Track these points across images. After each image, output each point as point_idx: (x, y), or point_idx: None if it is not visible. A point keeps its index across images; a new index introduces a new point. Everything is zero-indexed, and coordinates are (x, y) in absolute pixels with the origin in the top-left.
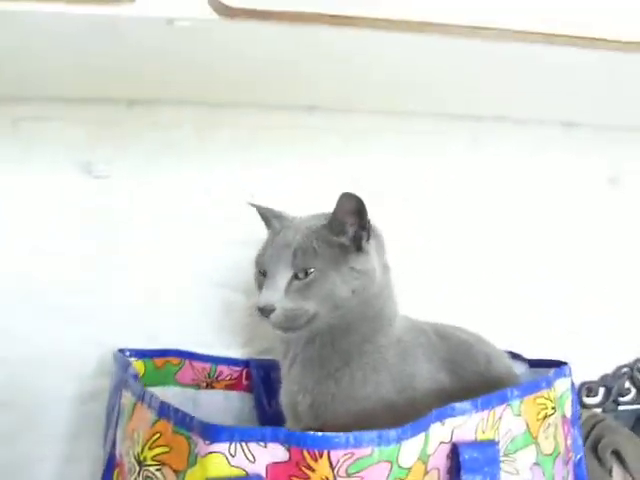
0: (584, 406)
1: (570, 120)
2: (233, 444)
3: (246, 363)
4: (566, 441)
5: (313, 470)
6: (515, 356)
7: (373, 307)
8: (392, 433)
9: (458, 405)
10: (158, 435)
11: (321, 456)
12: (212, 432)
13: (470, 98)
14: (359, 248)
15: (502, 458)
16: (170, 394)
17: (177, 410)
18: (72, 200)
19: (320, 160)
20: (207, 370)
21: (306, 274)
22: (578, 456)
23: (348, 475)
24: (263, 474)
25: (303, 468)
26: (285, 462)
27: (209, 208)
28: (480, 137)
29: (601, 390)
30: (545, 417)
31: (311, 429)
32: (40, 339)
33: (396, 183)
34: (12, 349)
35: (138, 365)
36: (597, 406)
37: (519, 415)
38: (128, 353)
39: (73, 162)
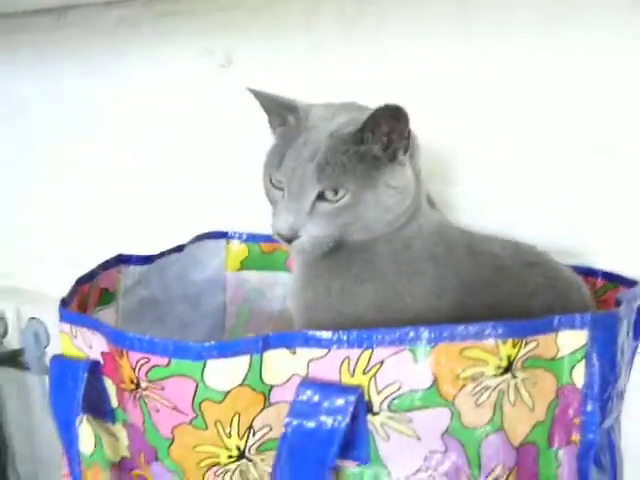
0: None
1: None
2: (73, 327)
3: None
4: (571, 420)
5: (122, 367)
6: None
7: (400, 220)
8: (191, 347)
9: (313, 334)
10: None
11: (122, 354)
12: (60, 312)
13: None
14: (394, 159)
15: (388, 414)
16: (282, 280)
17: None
18: (199, 87)
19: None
20: None
21: (335, 194)
22: (590, 436)
23: (149, 381)
24: (101, 360)
25: (116, 363)
26: (108, 353)
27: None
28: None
29: None
30: (476, 377)
31: None
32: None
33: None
34: None
35: (240, 249)
36: None
37: (423, 363)
38: (230, 235)
39: (197, 52)
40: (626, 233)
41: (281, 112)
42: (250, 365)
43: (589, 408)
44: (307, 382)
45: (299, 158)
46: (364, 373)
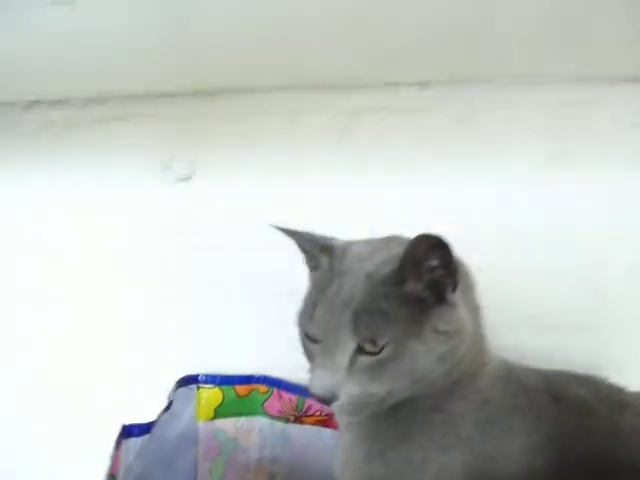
0: None
1: None
2: None
3: None
4: None
5: None
6: None
7: (460, 368)
8: None
9: None
10: None
11: None
12: None
13: None
14: (441, 299)
15: None
16: (258, 426)
17: None
18: (152, 203)
19: (433, 147)
20: (294, 402)
21: (374, 345)
22: None
23: None
24: None
25: None
26: None
27: (300, 210)
28: None
29: None
30: None
31: None
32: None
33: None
34: None
35: (214, 393)
36: None
37: None
38: (202, 379)
39: (153, 163)
40: None
41: (315, 253)
42: None
43: None
44: None
45: (332, 307)
46: None
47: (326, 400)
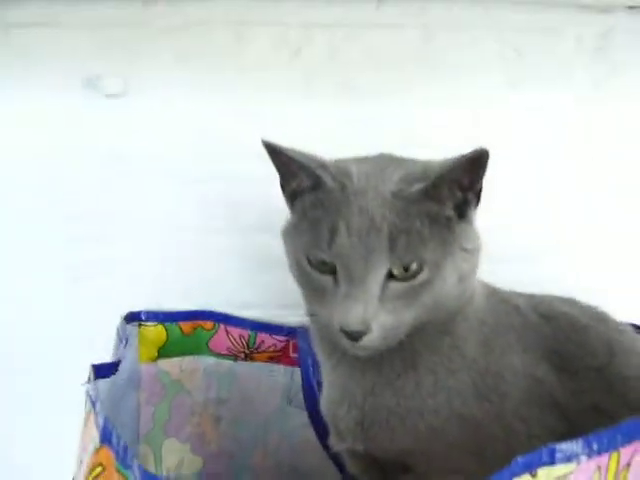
0: None
1: None
2: None
3: (293, 331)
4: None
5: None
6: None
7: (470, 289)
8: None
9: (561, 447)
10: (100, 469)
11: None
12: None
13: None
14: (462, 216)
15: None
16: (203, 366)
17: (120, 438)
18: (76, 123)
19: (388, 69)
20: (245, 338)
21: (407, 270)
22: None
23: None
24: None
25: None
26: None
27: (246, 133)
28: None
29: None
30: None
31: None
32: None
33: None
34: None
35: (157, 332)
36: None
37: None
38: (144, 316)
39: (77, 77)
40: None
41: (313, 170)
42: None
43: None
44: None
45: (357, 230)
46: None
47: (359, 334)
